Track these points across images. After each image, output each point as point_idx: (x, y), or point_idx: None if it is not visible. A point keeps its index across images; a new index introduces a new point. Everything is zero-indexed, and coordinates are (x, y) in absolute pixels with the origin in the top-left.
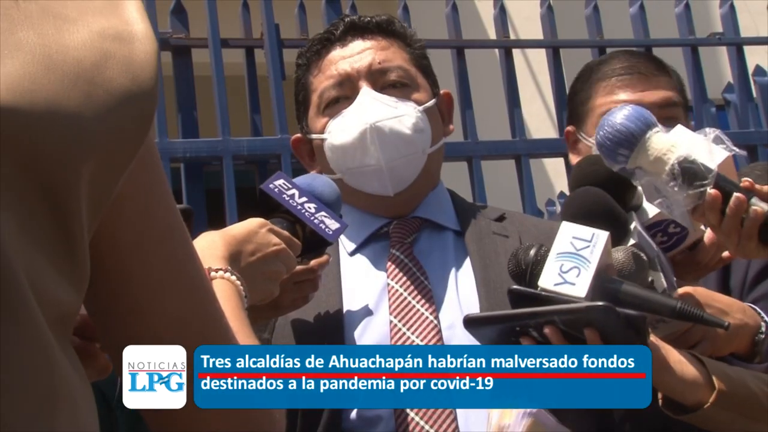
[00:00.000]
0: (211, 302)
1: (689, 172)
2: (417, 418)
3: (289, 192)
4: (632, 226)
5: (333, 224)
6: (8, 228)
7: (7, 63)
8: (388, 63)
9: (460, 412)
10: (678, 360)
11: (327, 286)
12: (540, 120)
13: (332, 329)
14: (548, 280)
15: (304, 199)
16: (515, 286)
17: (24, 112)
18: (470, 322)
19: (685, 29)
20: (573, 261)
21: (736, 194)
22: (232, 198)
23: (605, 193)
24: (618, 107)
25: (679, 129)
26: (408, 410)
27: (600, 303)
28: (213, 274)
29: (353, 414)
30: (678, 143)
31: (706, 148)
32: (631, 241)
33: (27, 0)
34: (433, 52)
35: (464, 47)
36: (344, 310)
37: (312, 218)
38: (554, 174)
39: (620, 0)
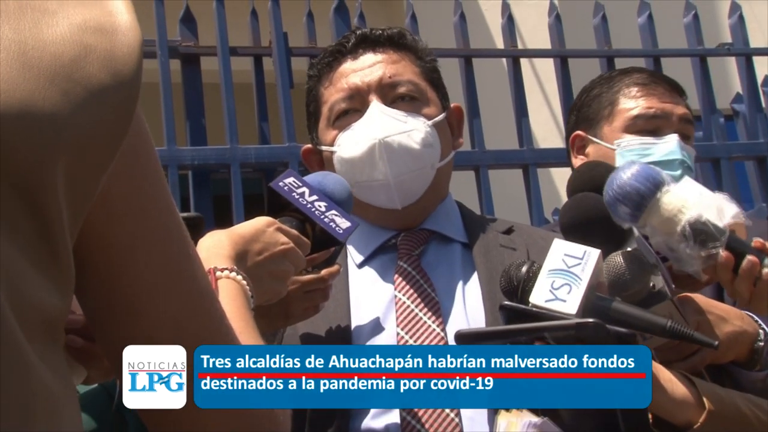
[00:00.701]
0: (210, 304)
1: (701, 234)
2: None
3: (299, 190)
4: (631, 232)
5: (344, 223)
6: None
7: None
8: (398, 77)
9: (465, 423)
10: (668, 379)
11: (335, 298)
12: (547, 129)
13: (339, 341)
14: (539, 296)
15: (315, 197)
16: (507, 302)
17: None
18: (461, 339)
19: (693, 39)
20: (564, 278)
21: (748, 257)
22: (239, 205)
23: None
24: (626, 164)
25: (688, 183)
26: (414, 423)
27: (590, 320)
28: (218, 273)
29: (360, 426)
30: (688, 203)
31: (717, 207)
32: (631, 247)
33: None
34: (441, 61)
35: (472, 56)
36: (352, 321)
37: (322, 217)
38: (561, 183)
39: (629, 10)
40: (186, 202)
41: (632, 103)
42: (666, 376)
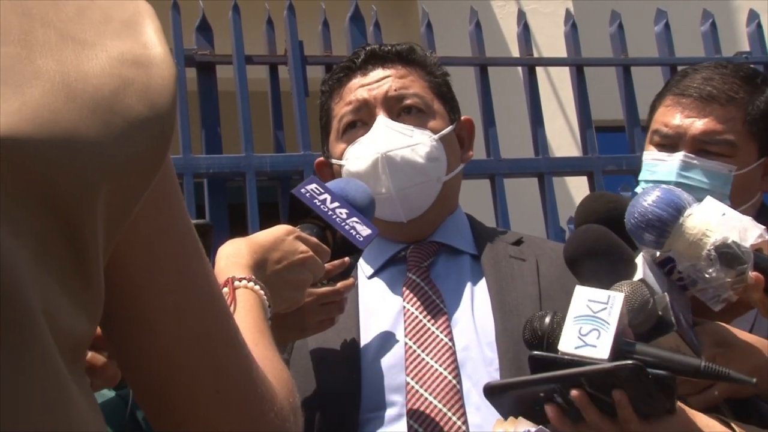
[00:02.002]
0: (224, 319)
1: (727, 257)
2: None
3: (321, 197)
4: (638, 260)
5: (364, 230)
6: (26, 259)
7: (27, 92)
8: (404, 90)
9: (472, 429)
10: (705, 424)
11: (345, 309)
12: (563, 138)
13: (349, 351)
14: (568, 343)
15: (336, 204)
16: (536, 352)
17: (43, 143)
18: (491, 391)
19: (711, 48)
20: (591, 323)
21: None
22: (254, 213)
23: (607, 230)
24: (648, 189)
25: (710, 204)
26: (421, 431)
27: (629, 362)
28: (237, 283)
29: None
30: (712, 225)
31: (741, 227)
32: (639, 276)
33: (45, 26)
34: (457, 70)
35: (487, 65)
36: (361, 332)
37: (343, 224)
38: (577, 192)
39: (645, 18)
40: (201, 210)
41: (659, 116)
42: (702, 421)
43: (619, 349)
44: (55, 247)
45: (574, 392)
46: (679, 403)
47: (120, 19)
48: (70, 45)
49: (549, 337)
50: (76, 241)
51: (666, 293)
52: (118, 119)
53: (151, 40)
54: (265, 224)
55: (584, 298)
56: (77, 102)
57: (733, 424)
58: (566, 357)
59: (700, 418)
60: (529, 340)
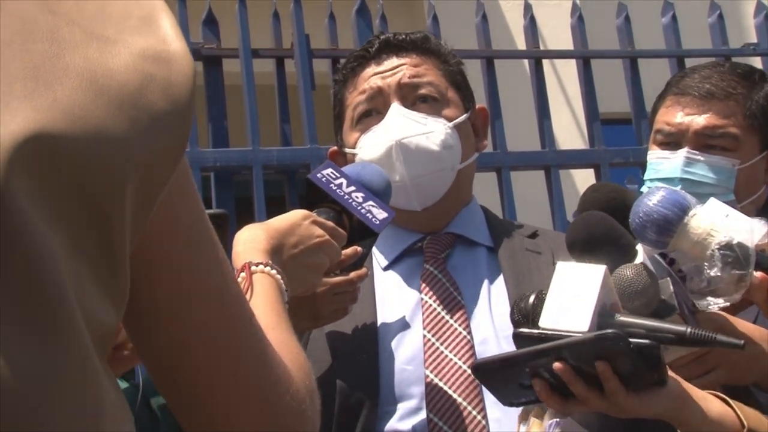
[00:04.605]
0: (240, 306)
1: (730, 258)
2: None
3: (337, 181)
4: (639, 248)
5: (380, 214)
6: (61, 250)
7: (57, 89)
8: (418, 78)
9: (491, 425)
10: (701, 397)
11: (361, 300)
12: (569, 131)
13: (367, 343)
14: (548, 319)
15: (352, 188)
16: (521, 329)
17: (75, 139)
18: (478, 369)
19: (718, 40)
20: (571, 298)
21: None
22: (261, 207)
23: (607, 216)
24: (652, 190)
25: (714, 205)
26: (441, 423)
27: (609, 331)
28: (253, 268)
29: (387, 427)
30: (717, 226)
31: (745, 227)
32: (638, 261)
33: (70, 24)
34: (463, 62)
35: (494, 57)
36: (378, 324)
37: (359, 208)
38: (583, 185)
39: (652, 10)
40: (208, 204)
41: (661, 116)
42: (699, 394)
43: (601, 322)
44: (88, 239)
45: (557, 365)
46: (674, 375)
47: (138, 16)
48: (94, 42)
49: (533, 315)
50: (106, 234)
51: (668, 278)
52: (143, 115)
53: (170, 35)
54: (271, 217)
55: (564, 273)
56: (104, 98)
57: (730, 402)
58: (549, 332)
59: (696, 392)
60: (518, 321)
